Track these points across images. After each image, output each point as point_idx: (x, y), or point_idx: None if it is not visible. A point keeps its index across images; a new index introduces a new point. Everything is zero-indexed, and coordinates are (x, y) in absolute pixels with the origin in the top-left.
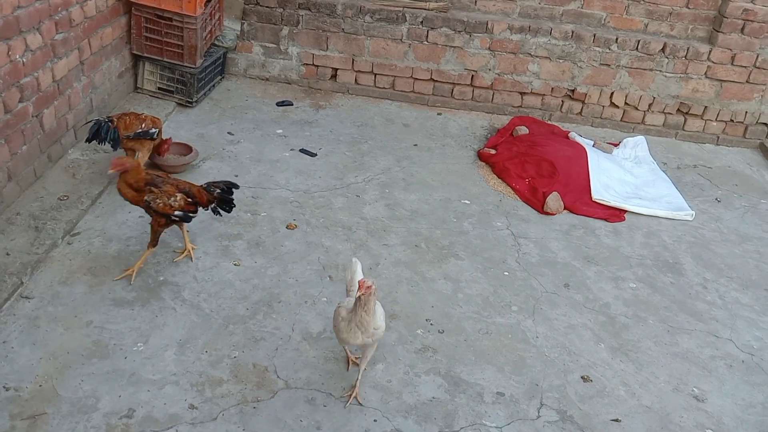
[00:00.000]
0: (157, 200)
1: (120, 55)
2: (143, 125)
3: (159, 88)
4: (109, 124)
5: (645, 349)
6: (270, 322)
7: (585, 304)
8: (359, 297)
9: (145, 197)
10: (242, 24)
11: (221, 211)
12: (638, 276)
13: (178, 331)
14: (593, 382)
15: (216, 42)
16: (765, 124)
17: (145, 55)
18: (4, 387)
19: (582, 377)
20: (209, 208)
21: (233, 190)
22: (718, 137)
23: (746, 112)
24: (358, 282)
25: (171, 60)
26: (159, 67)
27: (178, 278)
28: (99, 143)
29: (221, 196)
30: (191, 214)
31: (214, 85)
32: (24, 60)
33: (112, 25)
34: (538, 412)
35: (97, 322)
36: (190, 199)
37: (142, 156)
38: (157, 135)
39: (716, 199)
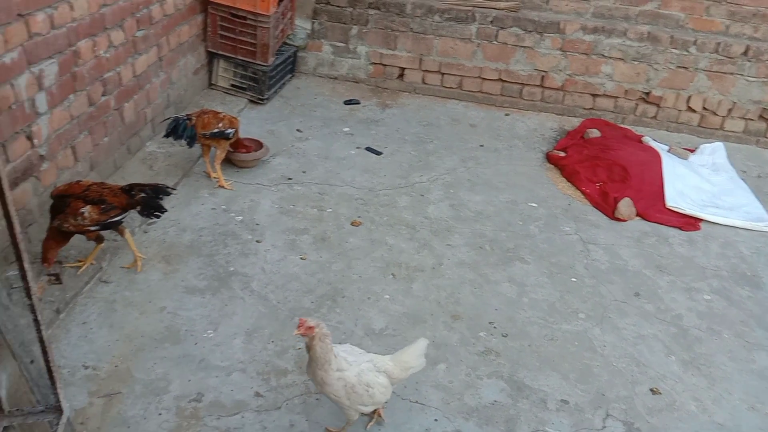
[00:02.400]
0: (64, 224)
1: (196, 53)
2: (220, 125)
3: (232, 85)
4: (187, 121)
5: (719, 364)
6: (334, 316)
7: (656, 314)
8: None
9: (53, 224)
10: (313, 23)
11: (150, 216)
12: (713, 288)
13: (246, 321)
14: (662, 395)
15: (287, 41)
16: None
17: (220, 52)
18: (83, 365)
19: (651, 389)
20: (136, 210)
21: (162, 195)
22: None
23: None
24: (299, 319)
25: (244, 58)
26: (232, 64)
27: (247, 269)
28: (175, 139)
29: (146, 201)
30: (113, 220)
31: (284, 83)
32: (107, 55)
33: (189, 23)
34: (604, 422)
35: (170, 308)
36: (104, 206)
37: (219, 153)
38: (234, 135)
39: None
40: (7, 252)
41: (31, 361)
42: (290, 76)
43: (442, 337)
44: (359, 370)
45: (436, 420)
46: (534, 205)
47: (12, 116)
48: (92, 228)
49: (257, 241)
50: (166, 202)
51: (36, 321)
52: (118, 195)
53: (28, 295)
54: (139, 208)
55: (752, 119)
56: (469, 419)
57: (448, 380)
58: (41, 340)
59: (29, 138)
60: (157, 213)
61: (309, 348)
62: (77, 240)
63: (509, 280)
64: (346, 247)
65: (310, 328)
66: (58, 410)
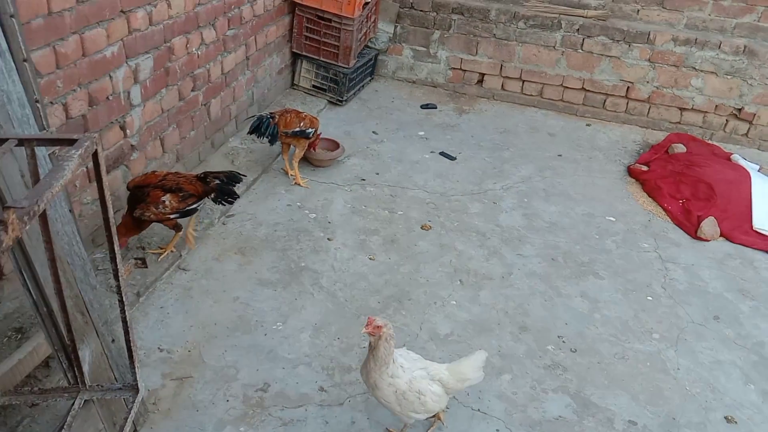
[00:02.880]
0: (146, 213)
1: (281, 53)
2: (302, 124)
3: (313, 86)
4: (270, 120)
5: None
6: (399, 318)
7: (736, 340)
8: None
9: (134, 214)
10: (395, 27)
11: (223, 202)
12: None
13: (315, 316)
14: (738, 424)
15: (369, 44)
16: None
17: (304, 53)
18: (159, 348)
19: (725, 417)
20: (210, 198)
21: (234, 182)
22: None
23: None
24: (368, 318)
25: (326, 59)
26: (315, 65)
27: (317, 266)
28: (258, 137)
29: (220, 187)
30: (192, 207)
31: (363, 86)
32: (199, 53)
33: (276, 24)
34: None
35: (243, 298)
36: (182, 194)
37: (298, 152)
38: (313, 134)
39: None
40: (95, 235)
41: (113, 340)
42: (369, 78)
43: (508, 348)
44: (411, 377)
45: (497, 430)
46: (612, 219)
47: (109, 107)
48: (172, 216)
49: (328, 239)
50: (245, 197)
51: (121, 302)
52: (194, 183)
53: (116, 277)
54: (213, 195)
55: None
56: None
57: (512, 391)
58: (124, 321)
59: (122, 128)
60: (230, 199)
61: (373, 348)
62: (159, 227)
63: (581, 294)
64: (415, 250)
65: (378, 327)
66: (135, 389)
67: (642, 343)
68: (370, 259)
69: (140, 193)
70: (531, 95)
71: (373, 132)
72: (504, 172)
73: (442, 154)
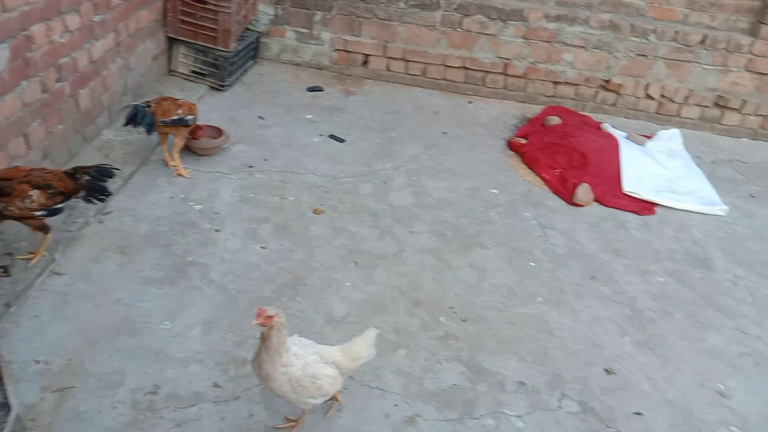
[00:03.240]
0: (9, 207)
1: (155, 38)
2: (179, 112)
3: (192, 71)
4: (146, 109)
5: (671, 344)
6: (294, 305)
7: (611, 296)
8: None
9: None
10: (276, 8)
11: (95, 200)
12: (667, 270)
13: (205, 311)
14: (617, 375)
15: (250, 26)
16: None
17: (180, 38)
18: (35, 360)
19: (605, 370)
20: (79, 196)
21: (106, 177)
22: (756, 132)
23: None
24: (259, 309)
25: (205, 43)
26: (193, 50)
27: (206, 259)
28: (134, 127)
29: (90, 184)
30: (58, 206)
31: (246, 69)
32: (63, 41)
33: (148, 7)
34: (560, 402)
35: (126, 299)
36: (51, 190)
37: (178, 141)
38: (193, 122)
39: (750, 194)
40: None
41: None
42: (252, 62)
43: (403, 323)
44: (304, 363)
45: (395, 405)
46: (495, 191)
47: None
48: (38, 213)
49: (216, 231)
50: (123, 192)
51: None
52: (63, 179)
53: None
54: (83, 192)
55: (707, 106)
56: (428, 403)
57: (408, 365)
58: None
59: None
60: (101, 197)
61: (264, 338)
62: (28, 231)
63: (470, 265)
64: (308, 235)
65: (270, 317)
66: (6, 407)
67: (527, 306)
68: (261, 247)
69: (3, 185)
70: (415, 75)
71: (259, 117)
72: (393, 152)
73: (332, 136)
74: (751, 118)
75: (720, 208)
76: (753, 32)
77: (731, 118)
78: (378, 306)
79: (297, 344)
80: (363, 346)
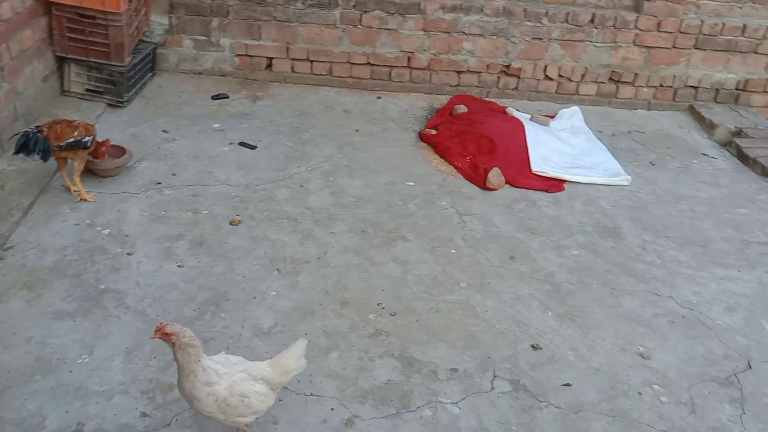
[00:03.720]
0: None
1: (43, 58)
2: (76, 134)
3: (87, 90)
4: (38, 134)
5: (590, 313)
6: (219, 322)
7: (530, 274)
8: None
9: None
10: (170, 18)
11: None
12: (580, 243)
13: (124, 339)
14: (543, 349)
15: (144, 38)
16: (692, 87)
17: (70, 56)
18: None
19: (532, 346)
20: None
21: None
22: (650, 102)
23: (674, 76)
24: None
25: (97, 60)
26: (86, 68)
27: (119, 285)
28: (27, 155)
29: None
30: None
31: (145, 83)
32: None
33: (31, 27)
34: (492, 384)
35: (37, 337)
36: None
37: (78, 165)
38: (92, 143)
39: (651, 162)
40: None
41: None
42: (151, 74)
43: (333, 326)
44: (231, 381)
45: (332, 409)
46: (411, 184)
47: None
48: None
49: (128, 254)
50: (23, 224)
51: None
52: None
53: None
54: None
55: (603, 82)
56: (364, 402)
57: (342, 367)
58: None
59: None
60: None
61: (174, 358)
62: None
63: (393, 260)
64: (226, 248)
65: (168, 334)
66: None
67: (452, 293)
68: (178, 266)
69: None
70: (321, 75)
71: (163, 131)
72: (306, 153)
73: (242, 144)
74: (644, 89)
75: (624, 178)
76: (637, 8)
77: (626, 92)
78: (306, 311)
79: (223, 363)
80: (292, 359)
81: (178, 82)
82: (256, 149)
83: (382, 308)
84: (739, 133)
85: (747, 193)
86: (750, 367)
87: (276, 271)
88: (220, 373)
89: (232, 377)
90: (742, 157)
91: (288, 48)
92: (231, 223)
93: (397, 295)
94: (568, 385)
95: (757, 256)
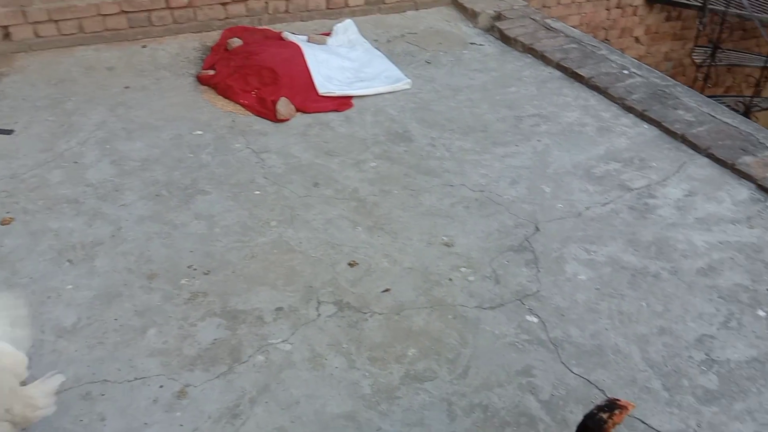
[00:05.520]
0: None
1: None
2: None
3: None
4: None
5: (396, 219)
6: None
7: (336, 196)
8: None
9: None
10: None
11: None
12: (376, 154)
13: None
14: (359, 264)
15: None
16: None
17: None
18: None
19: (349, 264)
20: None
21: None
22: (416, 3)
23: None
24: None
25: None
26: None
27: None
28: None
29: None
30: None
31: None
32: None
33: None
34: (318, 311)
35: None
36: None
37: None
38: None
39: (426, 61)
40: None
41: None
42: None
43: (144, 303)
44: None
45: (161, 386)
46: (200, 132)
47: None
48: None
49: None
50: None
51: None
52: None
53: None
54: None
55: None
56: (194, 369)
57: (162, 341)
58: None
59: None
60: None
61: None
62: None
63: (196, 217)
64: (3, 252)
65: None
66: None
67: (264, 235)
68: None
69: None
70: (73, 34)
71: None
72: (74, 125)
73: None
74: None
75: (405, 83)
76: None
77: None
78: (110, 296)
79: None
80: (40, 395)
81: None
82: (14, 133)
83: (194, 270)
84: (498, 17)
85: (513, 71)
86: (538, 229)
87: (67, 263)
88: None
89: None
90: (505, 39)
91: (24, 12)
92: (2, 223)
93: (207, 252)
94: (387, 290)
95: (529, 129)
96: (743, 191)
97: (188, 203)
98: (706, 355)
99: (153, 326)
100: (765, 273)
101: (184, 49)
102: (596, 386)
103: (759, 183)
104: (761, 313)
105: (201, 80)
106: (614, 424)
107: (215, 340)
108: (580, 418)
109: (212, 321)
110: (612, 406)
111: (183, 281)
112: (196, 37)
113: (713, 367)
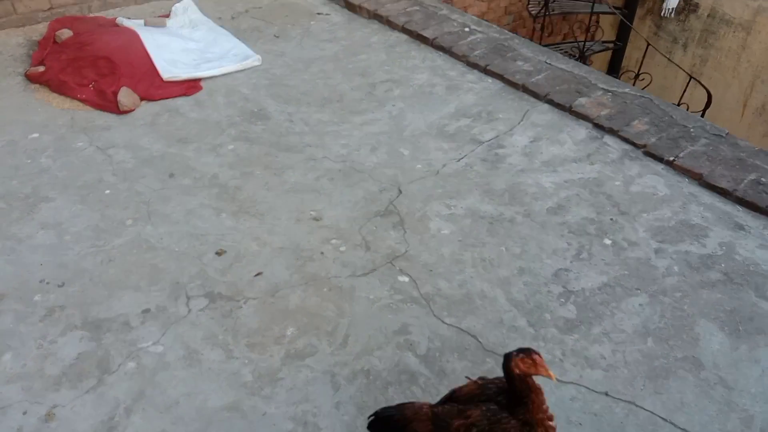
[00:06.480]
0: None
1: None
2: None
3: None
4: None
5: (261, 200)
6: None
7: (194, 184)
8: None
9: None
10: None
11: None
12: (233, 136)
13: None
14: (227, 251)
15: None
16: None
17: None
18: None
19: (216, 253)
20: None
21: None
22: None
23: None
24: None
25: None
26: None
27: None
28: None
29: None
30: None
31: None
32: None
33: None
34: (188, 306)
35: None
36: None
37: None
38: None
39: (275, 35)
40: None
41: None
42: None
43: None
44: None
45: (24, 413)
46: (36, 135)
47: None
48: None
49: None
50: None
51: None
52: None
53: None
54: None
55: None
56: (59, 389)
57: (21, 365)
58: None
59: None
60: None
61: None
62: None
63: (42, 227)
64: None
65: None
66: None
67: (120, 236)
68: None
69: None
70: None
71: None
72: None
73: None
74: None
75: (254, 59)
76: None
77: None
78: None
79: None
80: None
81: None
82: None
83: (47, 284)
84: None
85: (362, 38)
86: (401, 192)
87: None
88: None
89: None
90: (350, 6)
91: None
92: None
93: (59, 263)
94: (259, 274)
95: (383, 94)
96: (582, 131)
97: (31, 213)
98: (563, 287)
99: (8, 350)
100: (607, 204)
101: (7, 46)
102: (468, 333)
103: (595, 122)
104: (607, 241)
105: (31, 78)
106: (521, 365)
107: (80, 354)
108: (456, 367)
109: (74, 335)
110: (527, 351)
111: (36, 297)
112: (19, 32)
113: (570, 298)
